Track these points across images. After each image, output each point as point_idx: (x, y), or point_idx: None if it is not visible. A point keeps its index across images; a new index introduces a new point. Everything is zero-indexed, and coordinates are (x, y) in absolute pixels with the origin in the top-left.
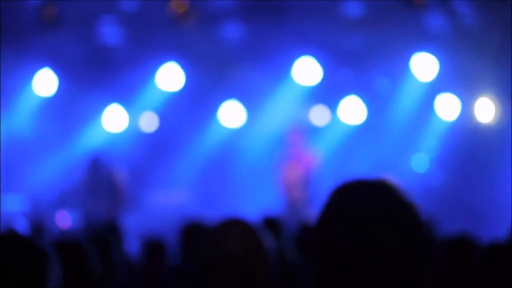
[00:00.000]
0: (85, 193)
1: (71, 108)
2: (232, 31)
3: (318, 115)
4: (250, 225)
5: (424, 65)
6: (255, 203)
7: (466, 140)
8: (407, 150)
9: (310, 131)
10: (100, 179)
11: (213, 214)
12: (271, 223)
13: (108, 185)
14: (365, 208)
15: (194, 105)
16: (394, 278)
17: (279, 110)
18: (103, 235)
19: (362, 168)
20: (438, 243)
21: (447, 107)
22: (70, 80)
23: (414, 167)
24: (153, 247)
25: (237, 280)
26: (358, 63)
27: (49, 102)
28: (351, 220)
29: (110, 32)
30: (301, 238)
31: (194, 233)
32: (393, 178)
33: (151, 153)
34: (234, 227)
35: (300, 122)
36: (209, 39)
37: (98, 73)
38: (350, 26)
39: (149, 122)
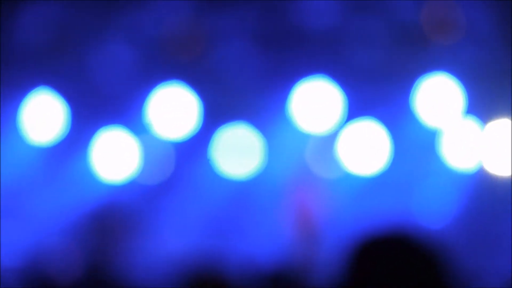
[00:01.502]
0: (88, 239)
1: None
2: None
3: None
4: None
5: (446, 94)
6: (264, 252)
7: (485, 187)
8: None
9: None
10: (105, 225)
11: (222, 261)
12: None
13: (112, 232)
14: (386, 263)
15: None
16: None
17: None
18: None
19: (374, 210)
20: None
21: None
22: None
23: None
24: None
25: None
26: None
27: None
28: (375, 277)
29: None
30: None
31: (199, 281)
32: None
33: (159, 196)
34: None
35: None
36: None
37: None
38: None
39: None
